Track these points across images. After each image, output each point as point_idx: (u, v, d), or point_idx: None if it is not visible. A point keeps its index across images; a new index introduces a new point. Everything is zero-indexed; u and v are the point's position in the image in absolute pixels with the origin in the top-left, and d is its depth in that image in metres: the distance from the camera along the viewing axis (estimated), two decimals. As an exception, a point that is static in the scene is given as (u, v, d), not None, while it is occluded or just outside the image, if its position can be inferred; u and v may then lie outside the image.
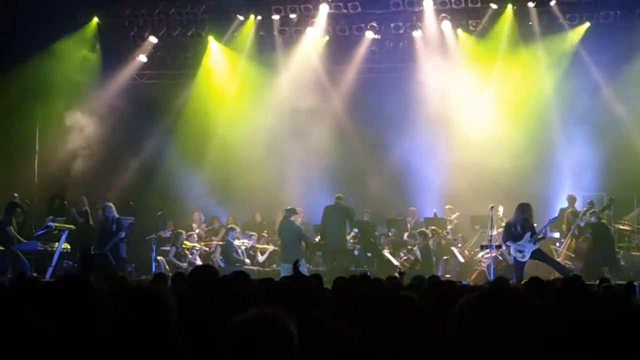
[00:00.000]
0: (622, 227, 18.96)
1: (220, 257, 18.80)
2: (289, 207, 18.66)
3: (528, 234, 15.68)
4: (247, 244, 19.37)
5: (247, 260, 19.01)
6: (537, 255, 15.85)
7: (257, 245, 19.67)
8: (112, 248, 17.55)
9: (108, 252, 17.27)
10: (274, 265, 19.20)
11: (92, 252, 17.77)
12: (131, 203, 20.50)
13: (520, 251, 15.68)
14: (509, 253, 16.41)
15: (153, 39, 21.98)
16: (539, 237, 15.97)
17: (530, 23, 21.04)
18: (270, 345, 3.02)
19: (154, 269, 17.26)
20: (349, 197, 19.48)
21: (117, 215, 18.15)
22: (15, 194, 18.78)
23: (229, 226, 19.61)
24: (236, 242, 18.99)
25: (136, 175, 21.47)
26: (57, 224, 18.31)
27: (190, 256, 18.72)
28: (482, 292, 3.73)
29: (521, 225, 15.83)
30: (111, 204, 18.26)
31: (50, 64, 21.23)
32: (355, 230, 20.08)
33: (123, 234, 18.00)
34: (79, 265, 16.82)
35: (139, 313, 3.68)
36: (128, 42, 22.07)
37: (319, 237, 18.91)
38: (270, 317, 3.09)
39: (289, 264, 17.41)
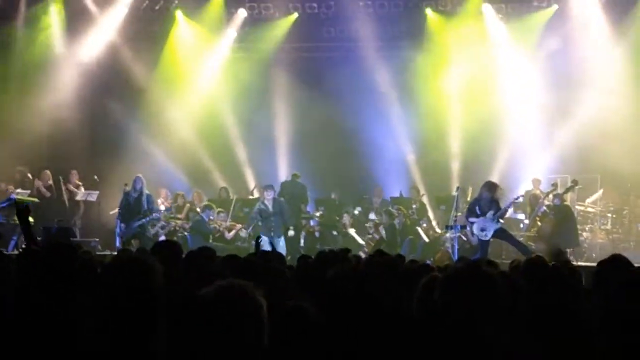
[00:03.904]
0: (586, 209, 19.14)
1: (188, 234, 18.64)
2: (269, 184, 18.67)
3: (491, 212, 15.70)
4: (224, 224, 19.18)
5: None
6: (501, 234, 15.91)
7: (225, 223, 19.55)
8: (140, 226, 16.98)
9: (135, 228, 16.85)
10: (239, 242, 19.12)
11: (56, 226, 17.61)
12: (95, 177, 20.32)
13: (482, 229, 15.72)
14: (472, 233, 16.47)
15: (120, 12, 21.66)
16: (502, 213, 16.00)
17: (500, 5, 21.16)
18: (239, 316, 2.98)
19: (117, 244, 17.13)
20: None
21: (148, 191, 17.25)
22: None
23: (206, 204, 19.43)
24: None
25: (100, 149, 21.24)
26: (19, 197, 18.11)
27: (159, 230, 18.59)
28: (452, 271, 3.75)
29: (486, 203, 15.85)
30: (142, 176, 17.21)
31: (14, 34, 20.98)
32: (321, 208, 20.22)
33: (157, 215, 17.69)
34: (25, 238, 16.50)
35: (132, 285, 3.61)
36: (94, 14, 21.71)
37: None
38: (237, 288, 3.05)
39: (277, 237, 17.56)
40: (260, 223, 18.05)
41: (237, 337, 2.96)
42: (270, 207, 17.86)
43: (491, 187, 16.06)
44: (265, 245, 16.63)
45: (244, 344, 2.98)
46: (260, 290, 3.06)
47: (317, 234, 19.46)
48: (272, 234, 17.53)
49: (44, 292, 4.40)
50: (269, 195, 18.01)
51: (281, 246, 17.15)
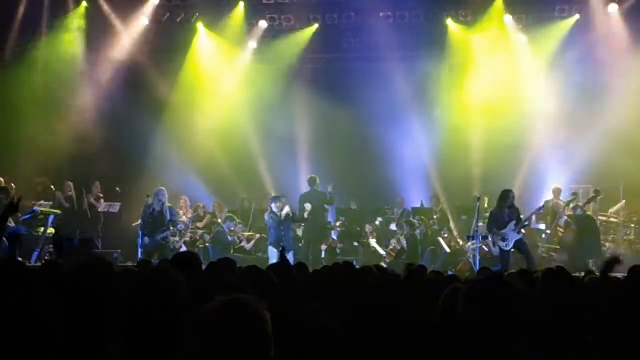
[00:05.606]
0: (608, 219, 19.00)
1: (209, 244, 18.73)
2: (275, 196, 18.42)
3: (512, 223, 15.59)
4: (242, 236, 19.23)
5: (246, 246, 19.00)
6: (518, 244, 15.72)
7: (244, 233, 19.63)
8: (164, 239, 16.70)
9: (158, 241, 16.57)
10: (260, 253, 19.15)
11: (77, 237, 17.65)
12: (117, 189, 20.41)
13: (503, 239, 15.62)
14: (494, 243, 16.30)
15: (142, 24, 21.78)
16: (524, 224, 15.92)
17: (521, 15, 21.12)
18: (241, 331, 2.93)
19: (139, 255, 17.16)
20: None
21: (169, 203, 16.95)
22: (1, 179, 18.66)
23: (227, 215, 19.49)
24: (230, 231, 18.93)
25: (122, 161, 21.30)
26: (42, 209, 18.21)
27: (176, 240, 18.67)
28: (474, 282, 3.73)
29: (507, 213, 15.73)
30: (163, 189, 16.91)
31: (37, 48, 21.15)
32: (342, 218, 20.18)
33: (181, 226, 17.61)
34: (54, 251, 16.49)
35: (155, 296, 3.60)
36: (116, 27, 21.85)
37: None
38: (239, 303, 3.00)
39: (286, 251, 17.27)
40: (269, 232, 17.67)
41: (240, 352, 2.91)
42: (282, 216, 17.34)
43: (507, 195, 15.82)
44: (273, 258, 16.41)
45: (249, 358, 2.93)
46: (265, 304, 3.00)
47: (338, 250, 19.44)
48: (281, 245, 17.09)
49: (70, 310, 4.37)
50: (275, 207, 17.34)
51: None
